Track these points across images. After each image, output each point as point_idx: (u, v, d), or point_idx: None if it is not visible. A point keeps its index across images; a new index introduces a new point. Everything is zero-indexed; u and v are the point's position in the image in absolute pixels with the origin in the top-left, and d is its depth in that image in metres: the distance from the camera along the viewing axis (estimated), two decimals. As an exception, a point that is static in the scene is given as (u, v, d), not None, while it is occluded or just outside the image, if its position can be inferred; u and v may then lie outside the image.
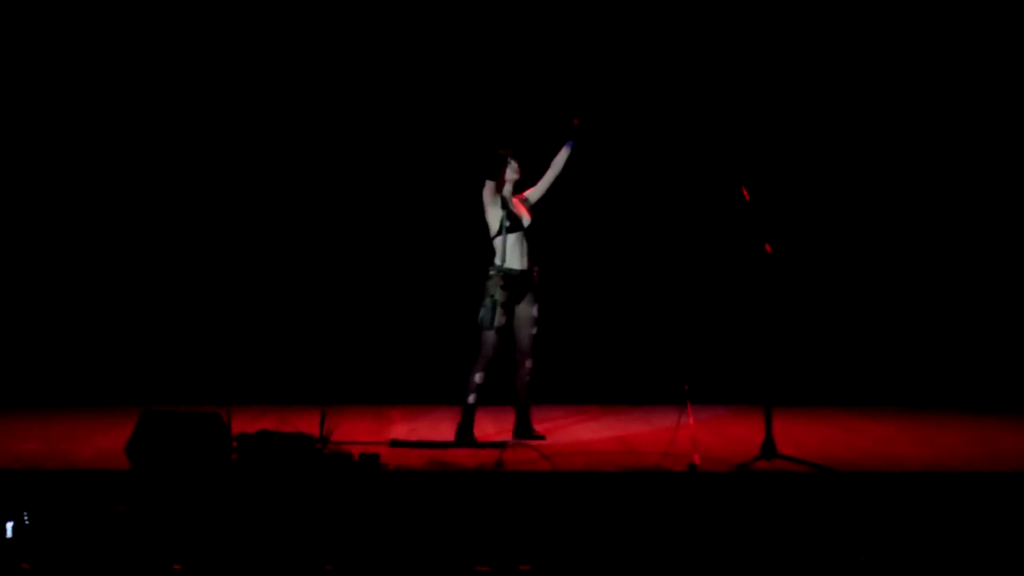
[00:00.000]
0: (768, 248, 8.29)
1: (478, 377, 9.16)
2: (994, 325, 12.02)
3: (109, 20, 12.00)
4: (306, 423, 8.21)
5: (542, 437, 9.34)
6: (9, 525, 6.84)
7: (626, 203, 12.17)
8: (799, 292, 11.67)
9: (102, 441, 9.06)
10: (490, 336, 9.11)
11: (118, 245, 12.12)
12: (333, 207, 12.14)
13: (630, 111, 12.03)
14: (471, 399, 9.19)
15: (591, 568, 6.76)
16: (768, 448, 8.22)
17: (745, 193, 8.48)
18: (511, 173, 9.25)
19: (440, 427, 9.82)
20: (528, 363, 9.33)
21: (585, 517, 7.15)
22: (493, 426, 9.90)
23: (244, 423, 7.98)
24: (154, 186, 12.13)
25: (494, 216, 9.22)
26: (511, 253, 9.18)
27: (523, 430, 9.38)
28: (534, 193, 9.39)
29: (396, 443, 9.00)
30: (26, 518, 6.90)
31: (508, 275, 9.17)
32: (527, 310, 9.26)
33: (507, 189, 9.26)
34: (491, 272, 9.20)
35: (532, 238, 9.28)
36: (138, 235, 12.13)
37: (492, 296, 9.12)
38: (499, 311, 9.09)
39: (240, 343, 12.00)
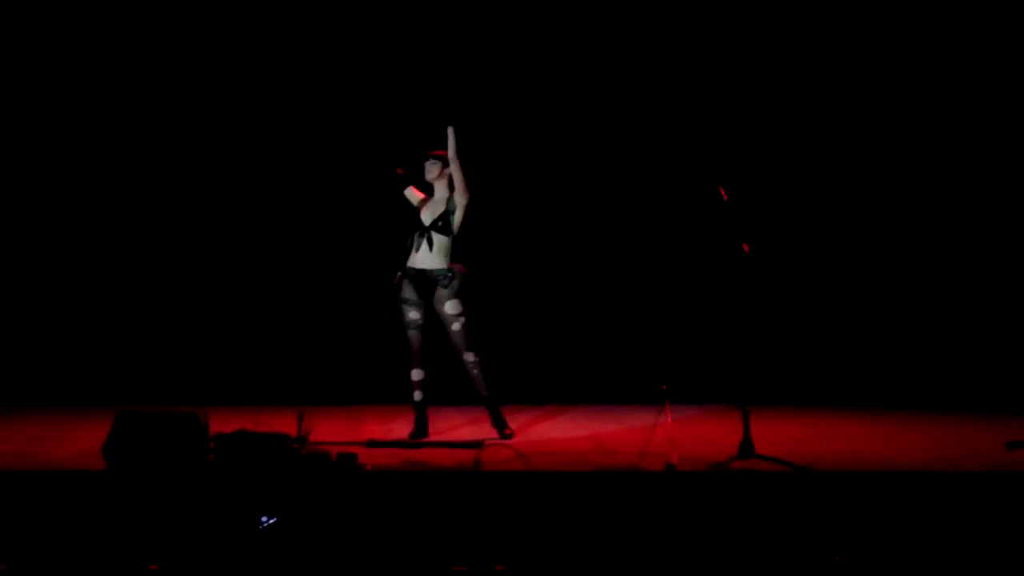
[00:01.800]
0: (745, 248, 8.31)
1: (413, 374, 9.47)
2: (966, 325, 12.05)
3: (109, 20, 11.96)
4: (283, 423, 8.19)
5: (510, 436, 9.35)
6: None
7: (604, 202, 12.17)
8: (776, 292, 11.68)
9: (78, 441, 9.02)
10: (408, 333, 9.43)
11: (93, 245, 12.07)
12: (307, 209, 12.11)
13: (612, 112, 12.04)
14: (415, 396, 9.47)
15: (567, 568, 6.77)
16: (746, 448, 8.25)
17: (723, 193, 8.51)
18: (431, 174, 9.47)
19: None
20: (468, 357, 9.35)
21: (562, 517, 7.16)
22: (469, 426, 9.92)
23: (221, 423, 7.96)
24: (128, 187, 12.09)
25: None
26: (412, 252, 9.40)
27: (494, 425, 9.41)
28: (457, 195, 9.43)
29: (374, 443, 9.00)
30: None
31: (402, 274, 9.40)
32: (441, 309, 9.34)
33: (433, 191, 9.50)
34: None
35: (450, 239, 9.38)
36: (113, 235, 12.08)
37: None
38: (403, 308, 9.39)
39: (217, 344, 11.97)
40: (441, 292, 9.32)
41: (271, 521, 7.01)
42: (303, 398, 10.48)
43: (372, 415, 10.68)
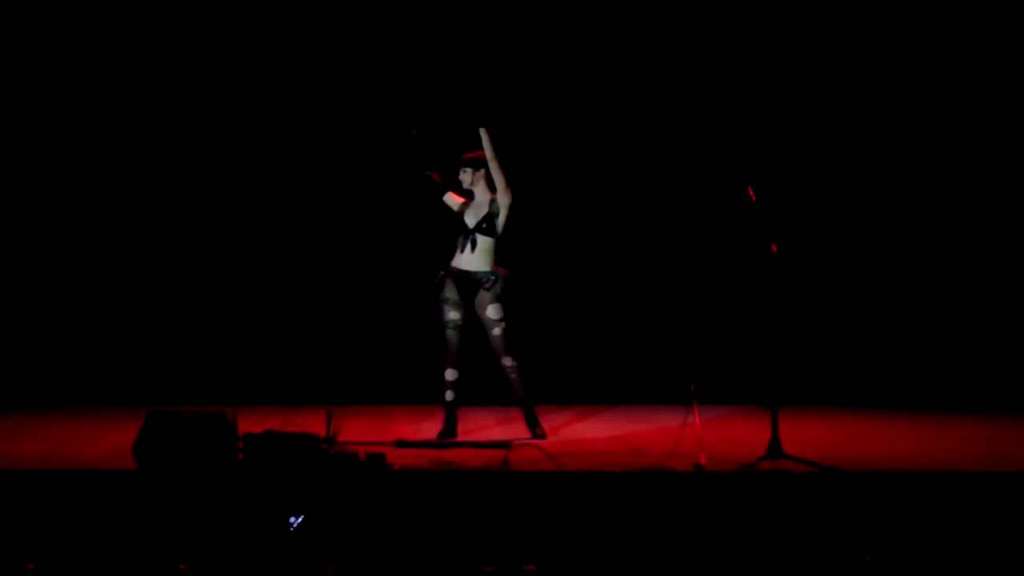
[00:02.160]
0: (774, 248, 8.28)
1: (447, 374, 9.47)
2: (999, 325, 12.00)
3: (109, 20, 11.99)
4: (312, 423, 8.20)
5: (542, 436, 9.35)
6: None
7: (632, 202, 12.15)
8: (805, 292, 11.64)
9: (108, 441, 9.05)
10: (447, 333, 9.45)
11: (123, 245, 12.12)
12: (337, 208, 12.13)
13: (639, 109, 12.03)
14: (447, 396, 9.46)
15: (596, 569, 6.76)
16: (774, 448, 8.22)
17: (751, 193, 8.49)
18: (465, 181, 9.47)
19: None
20: (506, 361, 9.37)
21: (591, 517, 7.15)
22: (499, 426, 9.92)
23: (250, 423, 7.97)
24: (156, 185, 12.13)
25: None
26: (456, 253, 9.40)
27: (527, 426, 9.41)
28: (500, 196, 9.42)
29: (402, 443, 9.01)
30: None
31: (445, 273, 9.40)
32: (482, 312, 9.35)
33: (473, 195, 9.47)
34: None
35: (495, 241, 9.40)
36: (143, 235, 12.12)
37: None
38: (444, 308, 9.40)
39: (245, 343, 11.99)
40: (483, 295, 9.33)
41: (299, 521, 7.02)
42: (332, 398, 10.49)
43: (401, 415, 10.68)
